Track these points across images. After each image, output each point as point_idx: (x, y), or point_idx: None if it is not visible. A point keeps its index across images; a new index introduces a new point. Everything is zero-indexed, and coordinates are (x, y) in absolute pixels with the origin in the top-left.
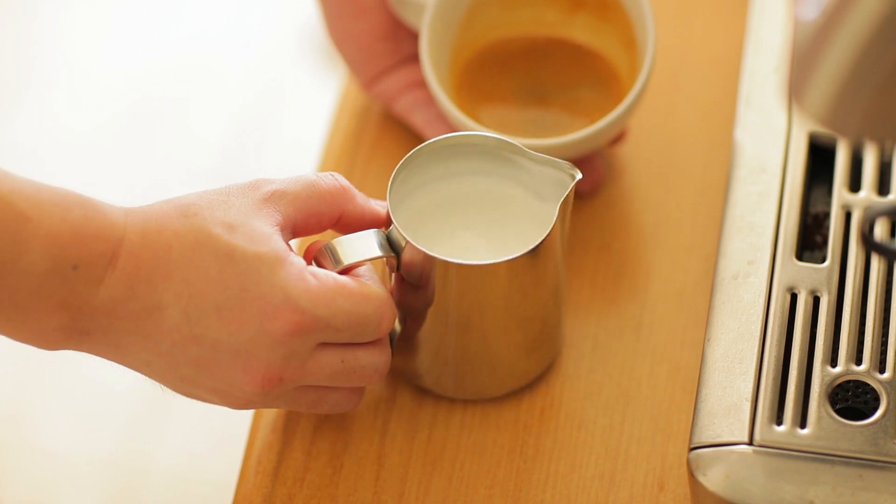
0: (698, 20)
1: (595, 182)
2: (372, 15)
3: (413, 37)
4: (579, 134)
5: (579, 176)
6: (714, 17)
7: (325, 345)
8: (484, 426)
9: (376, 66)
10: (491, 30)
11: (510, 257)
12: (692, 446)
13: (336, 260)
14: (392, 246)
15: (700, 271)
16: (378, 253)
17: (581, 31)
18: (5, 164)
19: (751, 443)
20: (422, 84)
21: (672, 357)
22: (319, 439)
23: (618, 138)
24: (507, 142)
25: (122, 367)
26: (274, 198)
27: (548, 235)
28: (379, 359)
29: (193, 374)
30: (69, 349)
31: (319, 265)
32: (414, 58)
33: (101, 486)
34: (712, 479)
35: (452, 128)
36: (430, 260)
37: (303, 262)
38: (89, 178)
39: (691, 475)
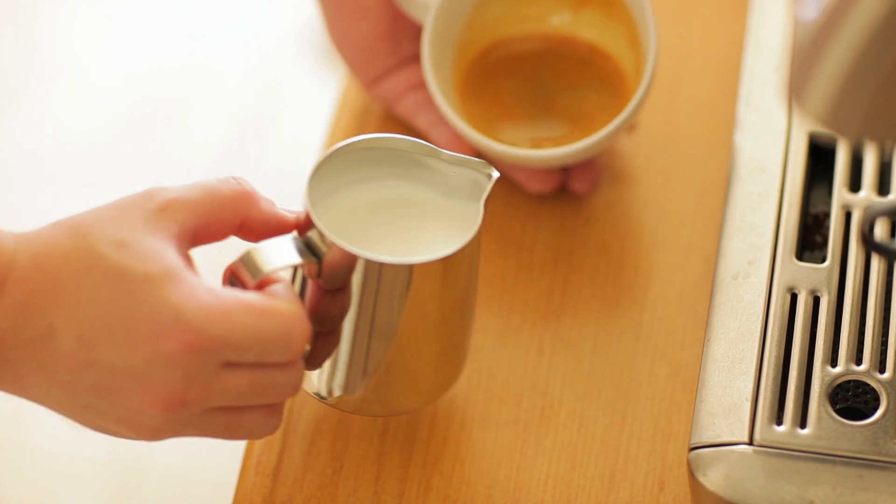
0: (698, 20)
1: (592, 182)
2: (372, 15)
3: (415, 37)
4: (581, 144)
5: (496, 175)
6: (714, 17)
7: (231, 364)
8: (484, 426)
9: (377, 66)
10: (497, 27)
11: (445, 254)
12: (692, 446)
13: (254, 270)
14: (312, 251)
15: (700, 271)
16: (298, 259)
17: (588, 28)
18: (5, 164)
19: (751, 443)
20: (424, 85)
21: (672, 357)
22: (319, 439)
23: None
24: (422, 144)
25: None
26: (169, 208)
27: (477, 232)
28: (291, 375)
29: (95, 403)
30: None
31: (237, 280)
32: (416, 58)
33: (101, 486)
34: (712, 479)
35: (453, 130)
36: (358, 262)
37: (199, 280)
38: (89, 177)
39: (691, 475)
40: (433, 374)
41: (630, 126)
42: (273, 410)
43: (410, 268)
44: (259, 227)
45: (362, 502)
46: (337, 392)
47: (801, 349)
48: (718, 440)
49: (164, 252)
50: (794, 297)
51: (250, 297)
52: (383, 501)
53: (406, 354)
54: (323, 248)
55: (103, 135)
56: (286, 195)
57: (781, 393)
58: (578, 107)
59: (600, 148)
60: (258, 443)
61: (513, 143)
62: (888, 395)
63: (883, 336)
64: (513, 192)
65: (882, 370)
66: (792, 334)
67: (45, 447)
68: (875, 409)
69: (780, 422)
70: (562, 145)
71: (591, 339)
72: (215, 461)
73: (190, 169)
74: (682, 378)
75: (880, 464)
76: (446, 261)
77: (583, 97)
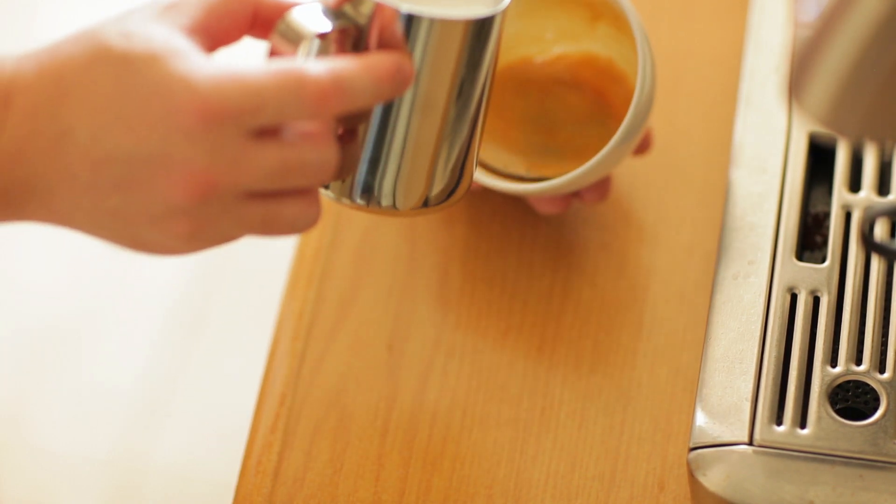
0: (698, 20)
1: (602, 194)
2: None
3: None
4: (570, 176)
5: None
6: (714, 17)
7: (257, 138)
8: (484, 426)
9: None
10: (515, 45)
11: (502, 7)
12: (692, 446)
13: (295, 34)
14: (346, 17)
15: (700, 271)
16: (333, 22)
17: (603, 43)
18: None
19: (751, 443)
20: None
21: (672, 357)
22: (319, 439)
23: (642, 147)
24: None
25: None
26: (177, 5)
27: (507, 8)
28: (324, 151)
29: (122, 204)
30: (5, 222)
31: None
32: None
33: (101, 486)
34: (712, 479)
35: None
36: (406, 22)
37: (209, 58)
38: None
39: (691, 475)
40: (454, 164)
41: (644, 144)
42: (311, 199)
43: (466, 23)
44: (274, 14)
45: (362, 502)
46: (355, 180)
47: (801, 349)
48: (718, 440)
49: (172, 36)
50: (794, 297)
51: (269, 64)
52: (383, 501)
53: (437, 130)
54: (357, 14)
55: None
56: None
57: (781, 393)
58: (581, 141)
59: (594, 177)
60: (258, 443)
61: (506, 167)
62: (888, 395)
63: (883, 336)
64: None
65: (882, 370)
66: (792, 334)
67: (45, 447)
68: (875, 409)
69: (780, 422)
70: (558, 175)
71: (591, 339)
72: (215, 461)
73: None
74: (682, 378)
75: (880, 464)
76: (487, 24)
77: (588, 133)
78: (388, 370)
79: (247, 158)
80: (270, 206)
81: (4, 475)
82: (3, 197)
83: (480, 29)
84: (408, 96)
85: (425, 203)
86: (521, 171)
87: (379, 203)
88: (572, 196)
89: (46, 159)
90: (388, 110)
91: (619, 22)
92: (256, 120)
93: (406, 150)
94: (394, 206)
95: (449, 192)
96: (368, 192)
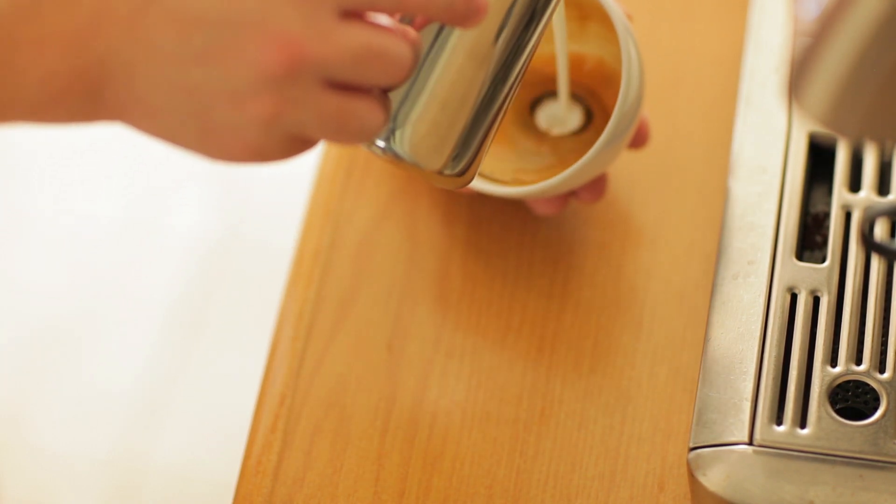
0: (698, 20)
1: (599, 193)
2: None
3: None
4: (558, 178)
5: None
6: (714, 17)
7: (349, 18)
8: (484, 426)
9: None
10: None
11: None
12: (692, 446)
13: None
14: None
15: (700, 271)
16: None
17: (593, 43)
18: (5, 164)
19: (751, 443)
20: None
21: (672, 357)
22: (319, 439)
23: (638, 141)
24: None
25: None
26: None
27: None
28: (402, 46)
29: (203, 79)
30: (81, 121)
31: None
32: None
33: (101, 486)
34: (712, 479)
35: None
36: None
37: None
38: (88, 176)
39: (691, 475)
40: (476, 134)
41: (641, 137)
42: (381, 102)
43: None
44: None
45: (362, 502)
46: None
47: (801, 349)
48: (718, 440)
49: None
50: (794, 297)
51: None
52: (383, 501)
53: (480, 85)
54: None
55: (103, 134)
56: None
57: (781, 393)
58: (569, 144)
59: (587, 176)
60: (258, 443)
61: (492, 173)
62: (888, 395)
63: (883, 336)
64: None
65: (882, 370)
66: (792, 334)
67: (45, 447)
68: (875, 409)
69: (780, 422)
70: (545, 178)
71: (591, 339)
72: (215, 461)
73: (188, 171)
74: (682, 378)
75: (880, 464)
76: None
77: (576, 137)
78: (388, 370)
79: (338, 33)
80: (346, 99)
81: (4, 475)
82: (77, 80)
83: None
84: (466, 38)
85: (443, 168)
86: (514, 176)
87: (402, 153)
88: (569, 196)
89: (126, 28)
90: (441, 49)
91: (607, 21)
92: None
93: (448, 99)
94: (416, 162)
95: (466, 165)
96: (399, 139)
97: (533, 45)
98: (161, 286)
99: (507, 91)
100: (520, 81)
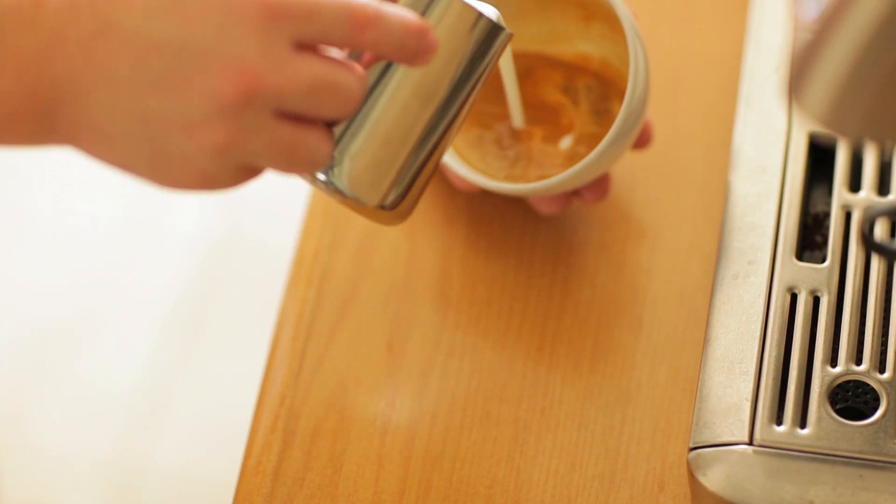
0: (698, 20)
1: (602, 193)
2: None
3: None
4: (562, 176)
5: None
6: (714, 17)
7: (303, 49)
8: (484, 426)
9: None
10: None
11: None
12: (692, 446)
13: None
14: None
15: (700, 271)
16: None
17: (597, 42)
18: (4, 165)
19: (751, 443)
20: None
21: (672, 357)
22: (319, 439)
23: (642, 142)
24: None
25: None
26: None
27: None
28: (354, 79)
29: (158, 106)
30: (31, 144)
31: None
32: None
33: (101, 486)
34: (712, 479)
35: None
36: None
37: None
38: (88, 176)
39: (691, 475)
40: (412, 169)
41: (644, 138)
42: (328, 135)
43: (479, 16)
44: None
45: (362, 502)
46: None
47: (801, 349)
48: (718, 440)
49: None
50: (794, 297)
51: None
52: (383, 501)
53: (425, 123)
54: None
55: None
56: None
57: (781, 393)
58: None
59: (591, 175)
60: (258, 443)
61: (485, 171)
62: (888, 395)
63: (883, 336)
64: None
65: (882, 370)
66: (792, 334)
67: (45, 447)
68: (875, 409)
69: (780, 422)
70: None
71: (591, 339)
72: (215, 461)
73: None
74: (682, 378)
75: (880, 464)
76: (497, 30)
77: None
78: (388, 370)
79: (293, 64)
80: (297, 130)
81: (4, 475)
82: (31, 102)
83: (490, 30)
84: (412, 76)
85: (381, 203)
86: (517, 174)
87: (342, 187)
88: (572, 195)
89: (84, 52)
90: (386, 86)
91: (612, 21)
92: (309, 27)
93: (390, 135)
94: (356, 196)
95: (404, 202)
96: (339, 172)
97: (479, 87)
98: (161, 286)
99: (448, 130)
100: (462, 122)
